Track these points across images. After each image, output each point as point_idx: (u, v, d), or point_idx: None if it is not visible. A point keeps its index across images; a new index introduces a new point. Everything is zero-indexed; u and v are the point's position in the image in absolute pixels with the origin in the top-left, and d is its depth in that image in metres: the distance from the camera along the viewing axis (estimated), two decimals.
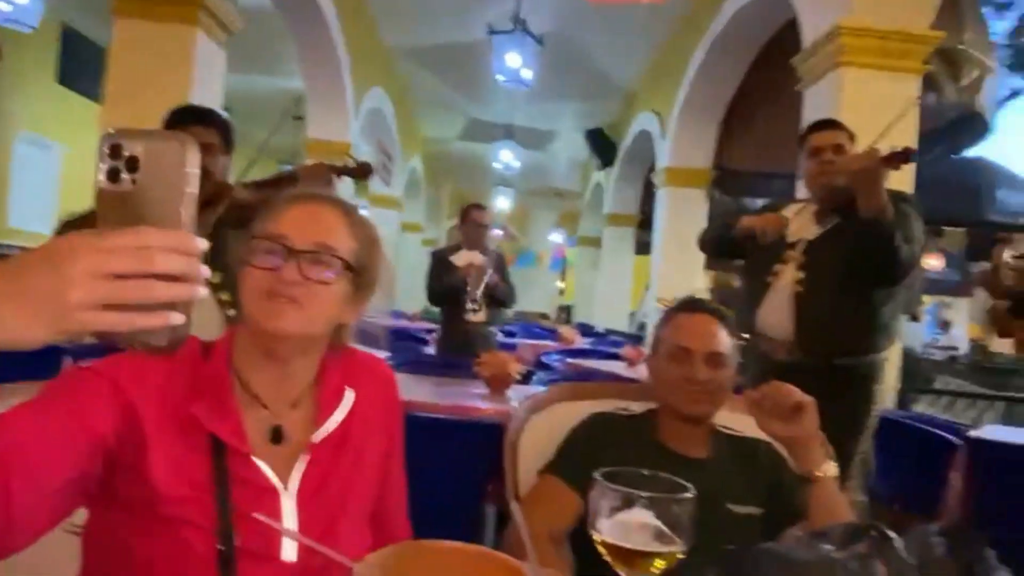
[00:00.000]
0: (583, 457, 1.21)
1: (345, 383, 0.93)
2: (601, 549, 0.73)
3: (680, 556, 0.71)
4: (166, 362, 0.81)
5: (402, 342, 5.54)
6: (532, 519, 1.02)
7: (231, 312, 1.80)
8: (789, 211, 2.46)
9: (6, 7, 5.79)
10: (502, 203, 12.84)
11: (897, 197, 2.26)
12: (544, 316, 13.83)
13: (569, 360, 4.29)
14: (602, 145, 9.60)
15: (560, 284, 18.55)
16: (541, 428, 1.42)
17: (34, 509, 0.67)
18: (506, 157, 9.89)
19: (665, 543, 0.71)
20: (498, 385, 2.63)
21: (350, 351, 0.97)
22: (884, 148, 2.04)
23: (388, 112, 8.84)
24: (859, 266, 2.19)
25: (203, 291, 0.51)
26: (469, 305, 3.83)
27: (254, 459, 0.82)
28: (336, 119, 6.93)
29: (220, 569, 0.75)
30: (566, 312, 14.95)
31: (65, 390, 0.74)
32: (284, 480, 0.83)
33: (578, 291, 13.72)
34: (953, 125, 4.69)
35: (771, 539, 1.19)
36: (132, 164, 0.51)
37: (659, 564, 0.71)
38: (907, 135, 3.67)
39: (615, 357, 4.46)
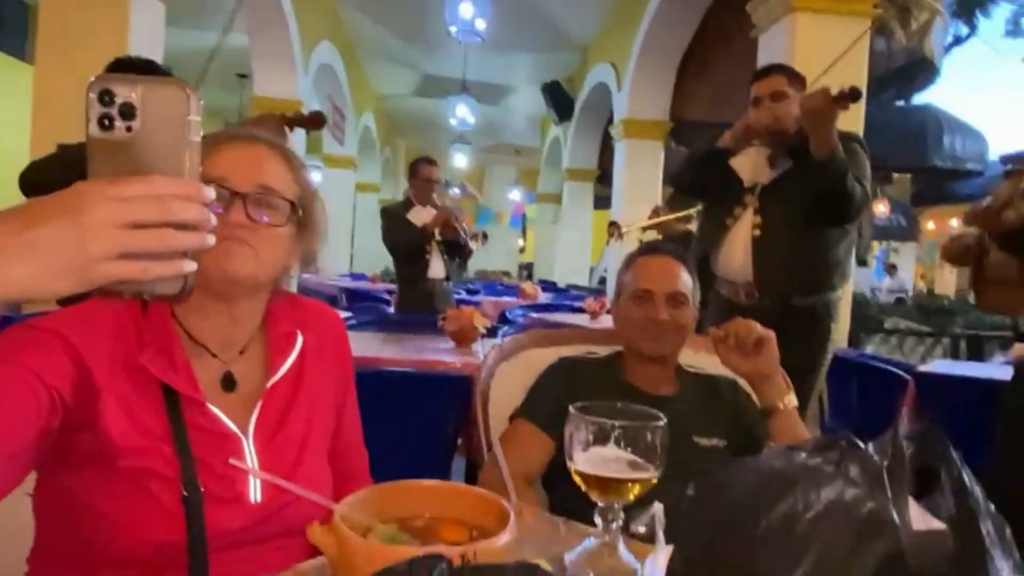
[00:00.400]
0: (553, 400, 1.23)
1: (295, 327, 0.93)
2: (578, 479, 0.75)
3: (653, 482, 0.74)
4: (112, 313, 0.79)
5: (364, 303, 5.48)
6: (505, 462, 1.04)
7: None
8: (744, 155, 2.47)
9: None
10: (459, 161, 12.66)
11: (847, 137, 2.30)
12: (506, 274, 13.85)
13: (532, 315, 4.32)
14: (559, 99, 9.50)
15: (520, 242, 18.56)
16: (511, 375, 1.43)
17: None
18: (462, 112, 9.71)
19: (639, 471, 0.73)
20: (464, 339, 2.64)
21: (295, 297, 0.97)
22: (833, 88, 2.06)
23: (338, 68, 8.58)
24: (814, 207, 2.24)
25: (212, 239, 0.51)
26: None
27: (209, 406, 0.81)
28: (284, 76, 6.70)
29: (188, 516, 0.75)
30: (527, 269, 15.00)
31: (13, 349, 0.71)
32: (241, 426, 0.83)
33: (539, 248, 13.75)
34: (903, 70, 4.77)
35: None
36: (127, 111, 0.49)
37: (634, 490, 0.73)
38: (857, 79, 3.73)
39: (577, 310, 4.50)
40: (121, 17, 3.61)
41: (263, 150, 0.86)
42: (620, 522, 0.76)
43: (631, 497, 0.73)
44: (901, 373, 2.85)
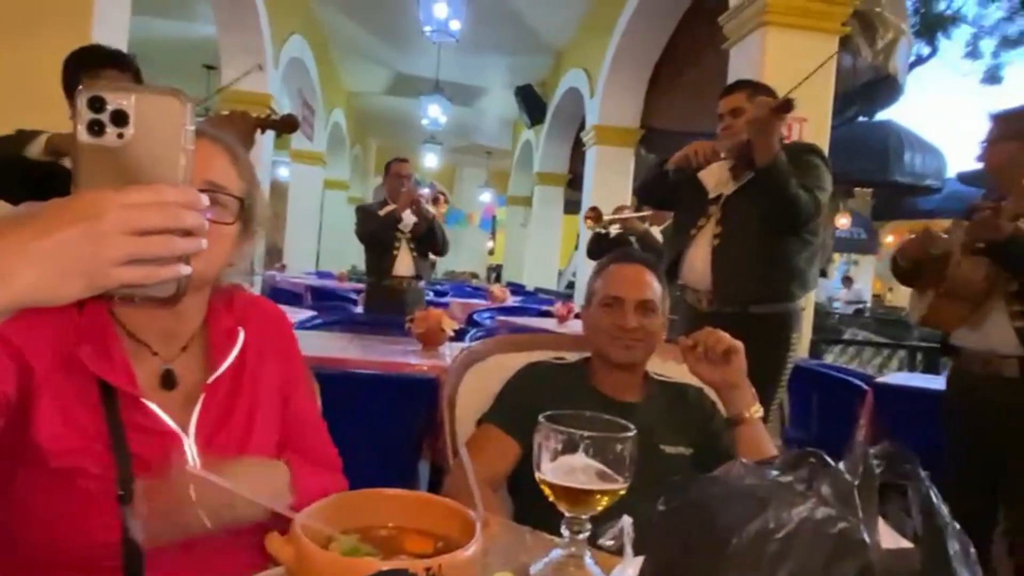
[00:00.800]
0: (520, 405, 1.22)
1: (236, 324, 0.91)
2: (546, 489, 0.74)
3: (621, 493, 0.73)
4: (52, 311, 0.76)
5: (330, 302, 5.41)
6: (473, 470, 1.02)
7: None
8: (711, 167, 2.52)
9: None
10: (430, 161, 12.60)
11: (806, 149, 2.39)
12: (474, 275, 13.83)
13: (500, 317, 4.31)
14: (532, 103, 9.52)
15: (490, 244, 18.54)
16: (478, 380, 1.41)
17: None
18: (434, 112, 9.67)
19: (607, 481, 0.72)
20: (431, 342, 2.61)
21: (237, 293, 0.95)
22: (798, 102, 2.12)
23: (309, 63, 8.46)
24: (766, 215, 2.30)
25: (205, 243, 0.53)
26: (430, 202, 3.74)
27: (148, 404, 0.79)
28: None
29: (122, 514, 0.74)
30: (496, 272, 14.99)
31: None
32: (182, 424, 0.81)
33: (508, 250, 13.75)
34: (867, 87, 4.88)
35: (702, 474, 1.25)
36: (119, 118, 0.50)
37: (602, 501, 0.72)
38: (825, 94, 3.81)
39: (545, 314, 4.51)
40: (85, 3, 3.50)
41: (209, 146, 0.84)
42: (587, 533, 0.75)
43: (598, 508, 0.73)
44: (860, 384, 2.91)
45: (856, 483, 0.43)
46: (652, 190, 2.77)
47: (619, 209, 4.16)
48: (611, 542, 0.67)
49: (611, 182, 6.91)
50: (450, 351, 2.58)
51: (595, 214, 4.33)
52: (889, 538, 0.46)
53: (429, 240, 3.89)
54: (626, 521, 0.63)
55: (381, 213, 3.86)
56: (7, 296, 0.47)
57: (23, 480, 0.74)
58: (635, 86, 6.87)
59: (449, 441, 1.32)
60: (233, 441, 0.85)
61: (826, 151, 3.80)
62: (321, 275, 9.34)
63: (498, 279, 13.05)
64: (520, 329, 3.74)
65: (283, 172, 11.52)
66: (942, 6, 14.59)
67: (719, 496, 0.47)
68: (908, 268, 2.22)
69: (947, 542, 0.45)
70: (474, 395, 1.38)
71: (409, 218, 3.82)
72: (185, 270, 0.52)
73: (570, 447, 0.74)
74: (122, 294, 0.52)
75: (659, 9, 6.10)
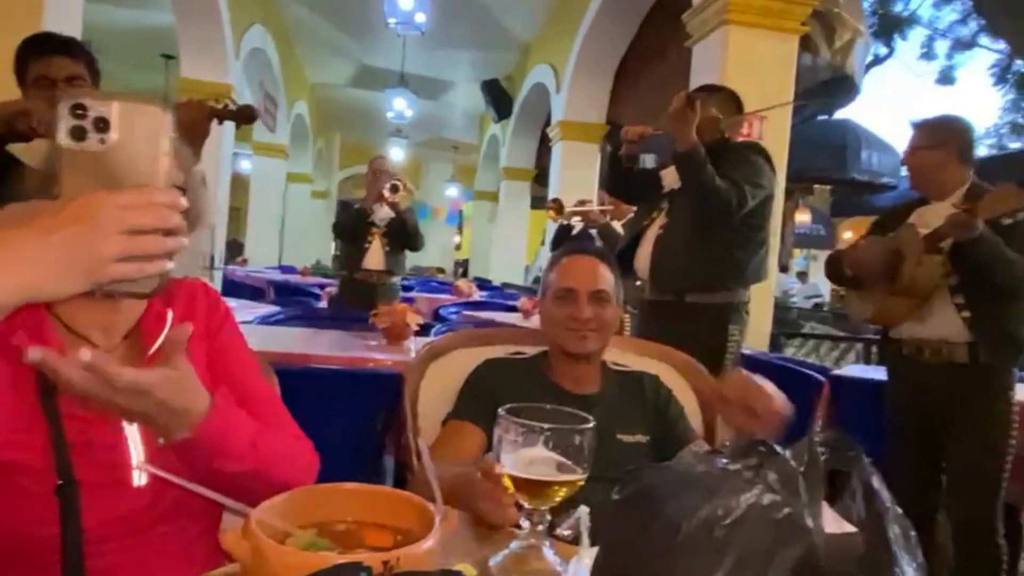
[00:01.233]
0: (482, 398, 1.24)
1: (165, 307, 0.90)
2: (506, 482, 0.74)
3: (580, 484, 0.74)
4: None
5: (293, 297, 5.34)
6: (443, 462, 1.03)
7: None
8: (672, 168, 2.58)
9: None
10: (396, 155, 12.47)
11: (749, 147, 2.48)
12: (440, 270, 13.77)
13: (466, 312, 4.31)
14: (499, 97, 9.51)
15: (456, 239, 18.48)
16: (440, 375, 1.41)
17: None
18: (399, 106, 9.58)
19: (566, 473, 0.73)
20: (396, 336, 2.60)
21: (174, 283, 0.95)
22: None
23: (271, 54, 8.32)
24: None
25: (185, 241, 0.57)
26: (387, 189, 3.74)
27: None
28: (213, 58, 6.44)
29: (62, 507, 0.73)
30: (463, 267, 14.95)
31: None
32: None
33: (474, 245, 13.72)
34: (825, 86, 5.00)
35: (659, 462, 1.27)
36: (100, 124, 0.53)
37: (561, 492, 0.73)
38: (785, 92, 3.88)
39: (511, 309, 4.52)
40: None
41: None
42: (546, 524, 0.75)
43: (557, 499, 0.73)
44: (817, 376, 2.98)
45: (801, 470, 0.45)
46: (612, 180, 2.86)
47: (581, 202, 4.20)
48: (568, 532, 0.68)
49: (577, 177, 6.95)
50: (415, 346, 2.57)
51: (557, 205, 4.38)
52: (833, 523, 0.47)
53: (401, 234, 3.87)
54: (583, 511, 0.64)
55: (356, 207, 3.89)
56: (12, 291, 0.50)
57: None
58: (600, 82, 6.91)
59: (411, 436, 1.31)
60: None
61: (786, 148, 3.90)
62: (284, 270, 9.20)
63: (465, 274, 13.01)
64: (486, 324, 3.74)
65: (245, 165, 11.32)
66: (899, 8, 14.97)
67: (670, 484, 0.48)
68: (855, 275, 2.30)
69: (888, 526, 0.47)
70: (436, 390, 1.38)
71: (384, 213, 3.80)
72: (169, 266, 0.56)
73: (530, 440, 0.74)
74: (106, 289, 0.55)
75: (624, 6, 6.14)
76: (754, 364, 3.43)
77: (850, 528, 0.48)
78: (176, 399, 0.68)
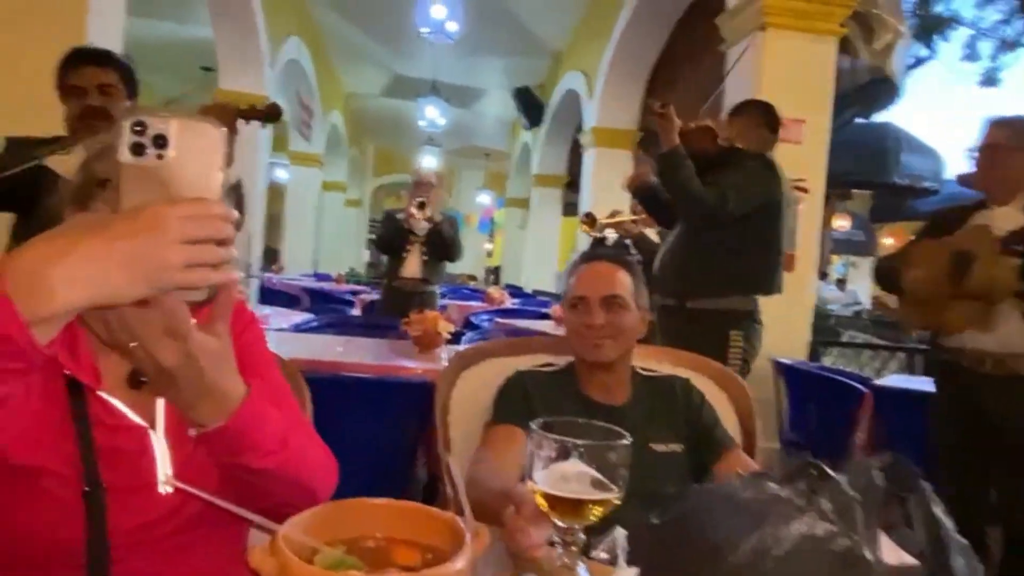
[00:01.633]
0: (522, 403, 1.23)
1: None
2: (539, 500, 0.72)
3: (616, 502, 0.71)
4: None
5: (327, 304, 5.39)
6: (499, 464, 1.00)
7: None
8: None
9: None
10: (428, 163, 12.57)
11: (749, 155, 2.49)
12: (472, 278, 13.80)
13: (498, 320, 4.29)
14: (530, 104, 9.51)
15: (488, 246, 18.50)
16: (471, 384, 1.40)
17: None
18: (432, 114, 9.65)
19: (602, 491, 0.70)
20: (427, 345, 2.59)
21: None
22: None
23: (307, 64, 8.45)
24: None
25: (236, 252, 0.60)
26: (414, 206, 3.77)
27: (111, 399, 0.78)
28: (250, 70, 6.56)
29: (88, 512, 0.73)
30: (494, 274, 14.96)
31: None
32: (150, 421, 0.80)
33: (506, 253, 13.72)
34: (865, 88, 4.88)
35: (694, 472, 1.23)
36: (159, 141, 0.56)
37: (597, 511, 0.70)
38: (824, 95, 3.80)
39: (543, 316, 4.49)
40: (79, 4, 3.48)
41: None
42: (580, 544, 0.73)
43: (591, 519, 0.71)
44: (858, 386, 2.89)
45: (858, 498, 0.41)
46: (643, 191, 3.01)
47: (614, 213, 4.17)
48: (604, 554, 0.65)
49: (609, 184, 6.88)
50: (447, 354, 2.56)
51: (590, 220, 4.35)
52: (891, 554, 0.44)
53: (439, 244, 3.89)
54: (619, 533, 0.61)
55: (397, 216, 3.96)
56: (81, 295, 0.53)
57: None
58: (633, 88, 6.85)
59: (443, 446, 1.30)
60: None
61: (825, 152, 3.81)
62: (319, 277, 9.31)
63: (496, 281, 13.01)
64: (518, 331, 3.72)
65: (281, 174, 11.50)
66: (940, 8, 14.60)
67: (714, 509, 0.45)
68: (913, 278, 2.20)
69: (952, 558, 0.43)
70: (468, 399, 1.36)
71: (423, 223, 3.82)
72: (228, 275, 0.60)
73: (563, 455, 0.72)
74: (174, 295, 0.59)
75: (657, 11, 6.09)
76: (793, 373, 3.35)
77: (910, 560, 0.44)
78: (213, 368, 0.66)
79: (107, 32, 3.54)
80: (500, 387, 1.32)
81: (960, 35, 14.90)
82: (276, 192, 10.60)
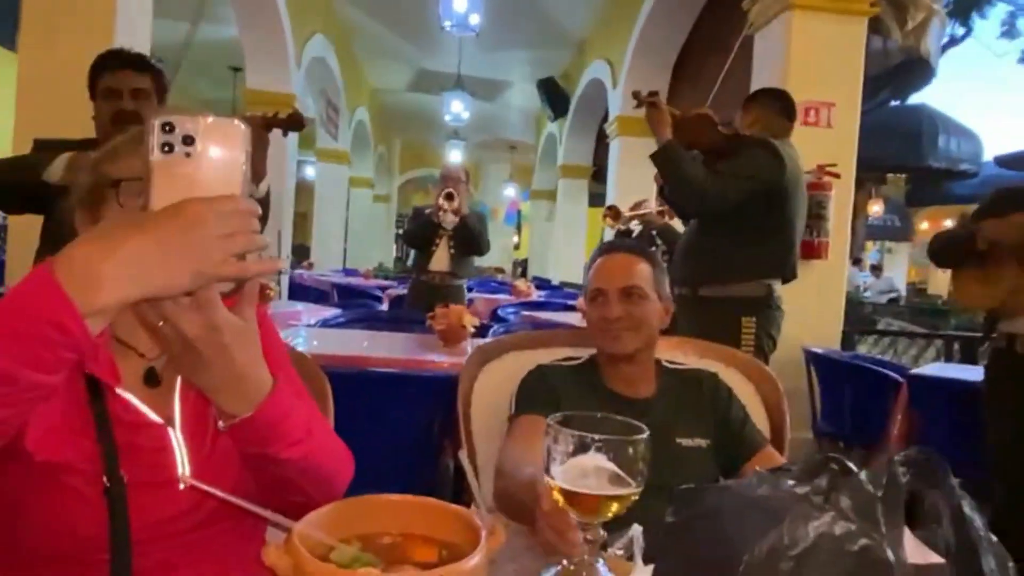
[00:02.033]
0: (547, 395, 1.22)
1: None
2: (557, 496, 0.71)
3: (634, 498, 0.70)
4: None
5: (355, 299, 5.44)
6: (528, 456, 1.00)
7: None
8: None
9: None
10: (454, 157, 12.59)
11: (753, 142, 2.47)
12: (499, 270, 13.81)
13: (524, 312, 4.28)
14: (554, 95, 9.45)
15: (515, 238, 18.50)
16: (493, 378, 1.39)
17: None
18: (456, 108, 9.64)
19: (620, 486, 0.69)
20: (452, 339, 2.59)
21: None
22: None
23: (332, 62, 8.51)
24: None
25: (266, 242, 0.63)
26: (442, 198, 3.78)
27: (130, 397, 0.80)
28: (277, 69, 6.63)
29: (110, 507, 0.74)
30: (522, 266, 14.95)
31: None
32: (167, 419, 0.81)
33: (533, 245, 13.70)
34: (898, 69, 4.74)
35: (722, 469, 1.21)
36: (187, 140, 0.59)
37: (613, 507, 0.69)
38: (854, 77, 3.70)
39: (570, 308, 4.47)
40: (107, 6, 3.54)
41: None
42: (600, 539, 0.72)
43: (610, 514, 0.69)
44: (894, 375, 2.82)
45: (879, 494, 0.40)
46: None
47: (637, 204, 4.12)
48: (621, 552, 0.64)
49: (635, 173, 6.82)
50: (472, 348, 2.56)
51: (614, 212, 4.31)
52: (916, 552, 0.42)
53: (467, 238, 3.90)
54: (636, 530, 0.60)
55: (426, 211, 3.97)
56: (136, 290, 0.57)
57: (10, 475, 0.74)
58: (659, 75, 6.76)
59: (464, 440, 1.30)
60: (210, 428, 0.84)
61: (855, 136, 3.72)
62: (348, 272, 9.40)
63: (524, 274, 13.00)
64: (544, 324, 3.71)
65: (309, 171, 11.62)
66: None
67: (731, 508, 0.44)
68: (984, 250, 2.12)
69: (982, 557, 0.41)
70: (489, 393, 1.36)
71: (451, 217, 3.83)
72: (267, 264, 0.64)
73: (581, 449, 0.71)
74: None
75: None
76: (825, 362, 3.28)
77: (937, 559, 0.42)
78: (241, 352, 0.67)
79: (135, 35, 3.60)
80: (522, 380, 1.30)
81: (998, 12, 14.41)
82: (305, 189, 10.71)
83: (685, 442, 1.22)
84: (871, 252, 15.54)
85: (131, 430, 0.78)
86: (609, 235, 5.03)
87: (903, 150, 7.69)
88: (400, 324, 3.35)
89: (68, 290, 0.55)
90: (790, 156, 2.44)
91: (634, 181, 6.71)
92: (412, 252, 4.27)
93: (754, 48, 4.05)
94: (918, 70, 5.02)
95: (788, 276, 2.55)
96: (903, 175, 9.79)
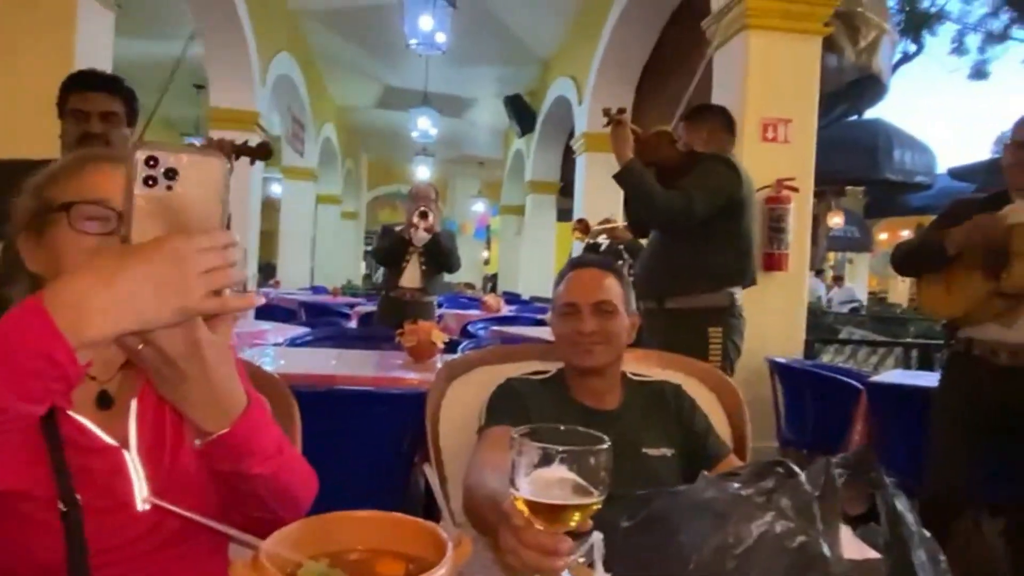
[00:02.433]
0: (516, 407, 1.23)
1: None
2: (522, 507, 0.72)
3: (596, 507, 0.71)
4: None
5: (323, 316, 5.39)
6: (496, 467, 1.00)
7: None
8: None
9: None
10: (422, 173, 12.61)
11: (711, 157, 2.56)
12: (469, 286, 13.80)
13: (494, 328, 4.29)
14: (521, 112, 9.55)
15: (485, 254, 18.52)
16: (462, 394, 1.41)
17: None
18: (424, 125, 9.68)
19: (583, 496, 0.71)
20: (422, 355, 2.59)
21: None
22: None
23: (297, 79, 8.48)
24: None
25: (245, 275, 0.58)
26: (416, 216, 3.77)
27: (83, 420, 0.79)
28: (241, 87, 6.59)
29: (67, 532, 0.73)
30: (492, 281, 14.97)
31: None
32: (121, 439, 0.81)
33: (503, 260, 13.73)
34: (852, 87, 4.91)
35: (687, 478, 1.24)
36: (170, 174, 0.61)
37: (576, 516, 0.71)
38: (809, 95, 3.82)
39: (540, 323, 4.49)
40: (68, 24, 3.50)
41: (110, 169, 0.82)
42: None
43: (572, 524, 0.71)
44: (854, 383, 2.90)
45: (816, 494, 0.42)
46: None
47: (606, 220, 4.20)
48: (583, 559, 0.66)
49: (602, 189, 6.91)
50: (442, 364, 2.56)
51: (583, 226, 4.38)
52: (855, 549, 0.45)
53: (438, 255, 3.92)
54: (596, 537, 0.61)
55: (397, 230, 3.99)
56: (122, 325, 0.58)
57: None
58: (622, 93, 6.88)
59: (433, 455, 1.30)
60: (168, 448, 0.84)
61: (812, 150, 3.84)
62: (316, 290, 9.31)
63: (494, 288, 13.02)
64: (514, 339, 3.73)
65: (275, 188, 11.51)
66: (926, 3, 14.68)
67: (680, 511, 0.46)
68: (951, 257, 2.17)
69: (913, 551, 0.44)
70: (458, 408, 1.37)
71: (422, 235, 3.84)
72: (247, 300, 0.66)
73: (545, 461, 0.72)
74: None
75: (644, 15, 6.13)
76: (788, 371, 3.35)
77: (873, 555, 0.45)
78: (217, 363, 0.68)
79: (96, 54, 3.56)
80: (492, 393, 1.32)
81: (948, 30, 14.97)
82: (271, 207, 10.61)
83: (651, 452, 1.25)
84: (834, 263, 15.88)
85: (85, 454, 0.78)
86: (578, 249, 5.08)
87: (860, 163, 7.93)
88: (369, 341, 3.34)
89: (58, 323, 0.56)
90: (743, 168, 2.56)
91: (601, 196, 6.79)
92: (381, 269, 4.28)
93: (714, 66, 4.15)
94: (871, 87, 5.20)
95: (748, 282, 2.63)
96: (861, 188, 10.07)
